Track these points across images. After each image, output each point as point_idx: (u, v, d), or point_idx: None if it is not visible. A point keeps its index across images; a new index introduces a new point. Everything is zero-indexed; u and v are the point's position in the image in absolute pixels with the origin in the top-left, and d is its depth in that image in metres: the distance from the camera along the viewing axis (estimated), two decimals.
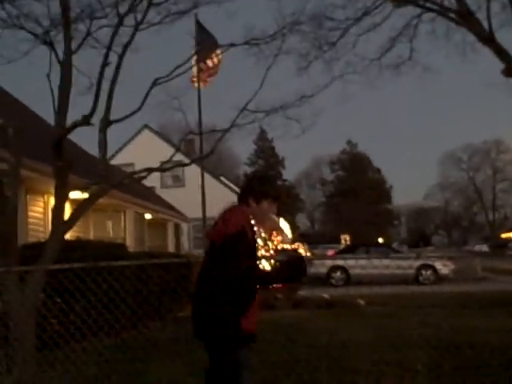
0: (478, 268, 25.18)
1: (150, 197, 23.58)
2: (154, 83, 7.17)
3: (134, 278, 8.46)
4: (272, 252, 14.83)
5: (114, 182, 7.45)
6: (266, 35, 8.62)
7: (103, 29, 7.09)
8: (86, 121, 6.34)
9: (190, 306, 3.81)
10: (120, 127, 7.21)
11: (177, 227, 29.21)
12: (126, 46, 6.77)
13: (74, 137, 10.25)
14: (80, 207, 6.54)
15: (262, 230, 13.32)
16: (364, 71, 17.84)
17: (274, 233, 15.60)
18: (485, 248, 59.92)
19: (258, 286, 3.76)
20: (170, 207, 27.05)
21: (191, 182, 30.37)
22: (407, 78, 37.83)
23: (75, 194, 7.42)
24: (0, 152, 8.64)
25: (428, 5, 16.58)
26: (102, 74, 6.56)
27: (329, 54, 17.39)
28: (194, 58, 14.50)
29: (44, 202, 13.07)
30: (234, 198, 4.07)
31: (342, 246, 39.12)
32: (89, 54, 7.11)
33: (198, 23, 16.86)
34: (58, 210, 6.25)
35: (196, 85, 18.37)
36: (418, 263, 22.19)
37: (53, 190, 6.48)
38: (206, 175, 20.32)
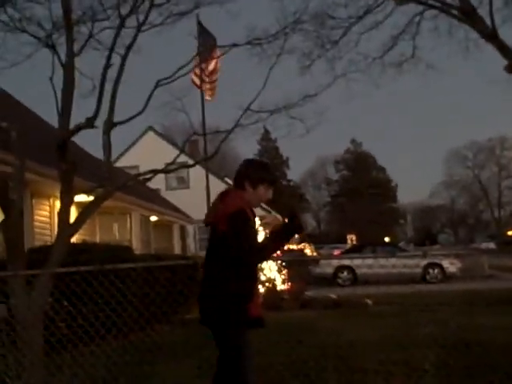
0: (486, 266, 25.11)
1: (155, 199, 23.60)
2: (157, 85, 7.16)
3: (140, 280, 8.45)
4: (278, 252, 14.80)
5: (119, 185, 7.44)
6: (268, 35, 8.58)
7: (105, 31, 7.09)
8: (89, 123, 6.33)
9: (197, 307, 3.80)
10: (124, 130, 7.21)
11: (182, 229, 29.21)
12: (128, 48, 6.75)
13: (78, 140, 10.26)
14: (85, 210, 6.54)
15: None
16: (367, 69, 17.83)
17: None
18: (492, 245, 59.73)
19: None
20: (175, 209, 27.06)
21: (196, 183, 30.39)
22: (410, 76, 37.69)
23: (81, 197, 7.42)
24: (4, 155, 8.67)
25: (430, 2, 16.54)
26: (104, 75, 6.55)
27: (331, 53, 17.40)
28: (196, 59, 14.52)
29: (50, 206, 13.10)
30: None
31: (349, 246, 39.09)
32: (91, 57, 7.11)
33: (199, 24, 16.86)
34: (64, 213, 6.24)
35: (194, 82, 18.27)
36: (424, 262, 22.12)
37: (58, 194, 6.48)
38: (211, 176, 20.31)
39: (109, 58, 6.63)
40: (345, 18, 17.14)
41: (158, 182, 30.03)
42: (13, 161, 6.17)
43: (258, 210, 3.79)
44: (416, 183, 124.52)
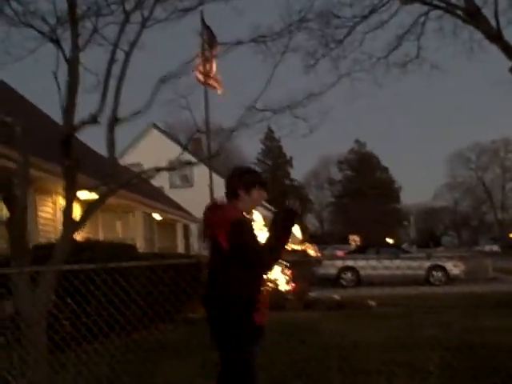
0: (489, 268, 25.04)
1: (158, 197, 23.60)
2: (161, 81, 7.12)
3: (144, 278, 8.43)
4: None
5: (123, 182, 7.40)
6: (272, 32, 8.56)
7: (110, 26, 7.05)
8: (93, 119, 6.30)
9: (201, 307, 3.76)
10: (127, 127, 7.16)
11: (186, 228, 29.21)
12: (133, 44, 6.72)
13: (81, 136, 10.22)
14: (89, 208, 6.50)
15: None
16: (371, 69, 17.83)
17: None
18: (496, 248, 59.68)
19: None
20: (179, 208, 27.05)
21: (200, 182, 30.37)
22: (415, 77, 37.55)
23: (85, 195, 7.39)
24: (8, 151, 8.65)
25: (435, 2, 16.55)
26: (109, 71, 6.52)
27: (336, 52, 17.41)
28: (200, 55, 14.50)
29: (53, 202, 13.08)
30: None
31: (353, 247, 39.03)
32: (95, 52, 7.07)
33: (202, 21, 16.79)
34: (68, 210, 6.21)
35: (198, 79, 18.19)
36: (428, 264, 22.08)
37: (62, 190, 6.45)
38: (215, 175, 20.22)
39: (113, 53, 6.59)
40: (350, 18, 17.17)
41: (161, 180, 30.07)
42: (17, 157, 6.13)
43: (261, 211, 3.74)
44: (419, 184, 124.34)
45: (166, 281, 7.58)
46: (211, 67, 17.35)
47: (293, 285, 14.56)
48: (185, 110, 8.45)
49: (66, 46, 6.34)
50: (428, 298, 15.27)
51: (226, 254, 3.58)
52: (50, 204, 13.06)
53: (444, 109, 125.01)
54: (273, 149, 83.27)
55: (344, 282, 22.70)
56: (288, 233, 3.73)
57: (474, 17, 15.41)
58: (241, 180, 3.82)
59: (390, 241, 54.41)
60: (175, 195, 30.40)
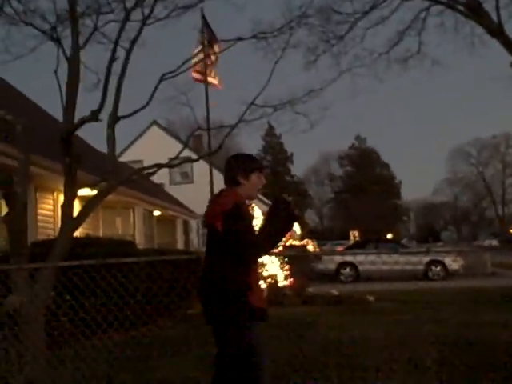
0: (488, 263, 25.03)
1: (158, 193, 23.61)
2: (162, 79, 7.15)
3: (143, 274, 8.46)
4: (280, 248, 14.80)
5: (123, 179, 7.44)
6: (273, 29, 8.59)
7: (110, 24, 7.08)
8: (94, 116, 6.33)
9: (199, 302, 3.79)
10: (128, 124, 7.21)
11: (185, 224, 29.23)
12: (133, 41, 6.75)
13: (82, 133, 10.24)
14: (89, 204, 6.53)
15: None
16: (372, 65, 17.87)
17: None
18: (495, 243, 59.74)
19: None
20: (179, 204, 27.08)
21: (200, 178, 30.40)
22: (416, 72, 37.58)
23: (84, 191, 7.42)
24: (9, 149, 8.67)
25: None
26: (109, 69, 6.54)
27: (337, 48, 17.43)
28: (200, 53, 14.49)
29: (53, 200, 13.11)
30: None
31: (351, 242, 39.03)
32: (95, 50, 7.10)
33: (203, 18, 16.79)
34: (67, 206, 6.25)
35: (195, 78, 18.20)
36: (427, 259, 22.08)
37: (62, 188, 6.48)
38: (215, 171, 20.27)
39: (114, 51, 6.62)
40: (350, 13, 17.18)
41: (161, 177, 30.07)
42: (17, 154, 6.16)
43: (262, 205, 3.77)
44: (419, 180, 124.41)
45: (165, 277, 7.62)
46: (211, 65, 17.36)
47: (291, 280, 14.58)
48: (185, 106, 8.51)
49: (67, 44, 6.38)
50: (426, 293, 15.28)
51: (221, 237, 3.62)
52: (51, 201, 13.09)
53: (445, 104, 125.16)
54: (273, 145, 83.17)
55: (343, 278, 22.71)
56: (282, 229, 3.73)
57: (475, 11, 15.39)
58: (239, 166, 3.86)
59: (389, 236, 54.43)
60: (175, 191, 30.43)
